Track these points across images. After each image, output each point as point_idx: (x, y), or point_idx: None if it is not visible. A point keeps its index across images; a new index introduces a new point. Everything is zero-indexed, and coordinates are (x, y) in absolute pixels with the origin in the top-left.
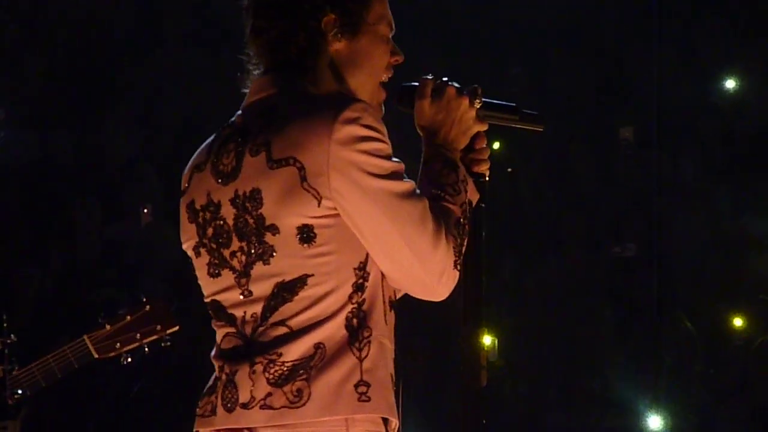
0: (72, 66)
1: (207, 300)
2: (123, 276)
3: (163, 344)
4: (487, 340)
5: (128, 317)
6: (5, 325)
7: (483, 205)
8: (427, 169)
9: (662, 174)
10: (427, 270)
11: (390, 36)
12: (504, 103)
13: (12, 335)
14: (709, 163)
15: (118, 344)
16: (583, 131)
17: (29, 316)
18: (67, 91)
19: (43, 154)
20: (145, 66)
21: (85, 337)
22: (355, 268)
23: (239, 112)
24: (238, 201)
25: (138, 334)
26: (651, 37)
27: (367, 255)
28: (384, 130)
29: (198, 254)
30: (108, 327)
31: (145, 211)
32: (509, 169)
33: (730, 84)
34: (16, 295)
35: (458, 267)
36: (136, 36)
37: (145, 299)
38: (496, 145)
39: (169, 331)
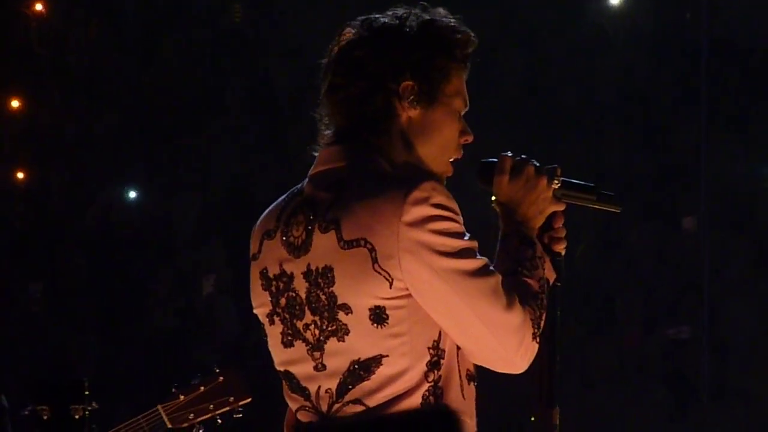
0: (137, 127)
1: (279, 369)
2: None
3: (235, 416)
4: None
5: (202, 388)
6: (87, 392)
7: (559, 284)
8: (504, 245)
9: (716, 258)
10: (502, 343)
11: (462, 113)
12: (582, 183)
13: (94, 402)
14: (764, 247)
15: (192, 415)
16: (640, 210)
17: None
18: (136, 150)
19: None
20: (205, 132)
21: (159, 406)
22: (428, 347)
23: (306, 179)
24: (310, 276)
25: (211, 405)
26: (706, 118)
27: (440, 333)
28: (454, 206)
29: (272, 322)
30: (182, 397)
31: (209, 280)
32: (582, 246)
33: None
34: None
35: (537, 339)
36: (198, 101)
37: (218, 370)
38: None
39: (241, 403)
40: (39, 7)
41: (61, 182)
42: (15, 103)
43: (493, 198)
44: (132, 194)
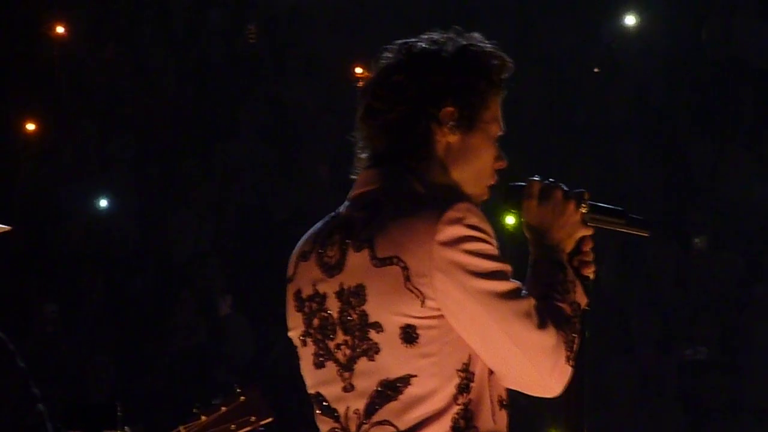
0: (151, 152)
1: (311, 392)
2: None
3: None
4: None
5: (223, 408)
6: (120, 414)
7: (588, 308)
8: (534, 269)
9: (735, 278)
10: (536, 365)
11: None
12: (611, 207)
13: (126, 427)
14: None
15: None
16: (657, 231)
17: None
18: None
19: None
20: (217, 155)
21: (180, 428)
22: (458, 370)
23: (346, 202)
24: (342, 295)
25: (233, 426)
26: (721, 138)
27: (470, 356)
28: (488, 229)
29: (304, 344)
30: (203, 418)
31: (226, 302)
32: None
33: None
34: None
35: (571, 362)
36: (210, 125)
37: (239, 389)
38: None
39: (263, 423)
40: (61, 30)
41: (78, 203)
42: (30, 126)
43: (509, 219)
44: (142, 215)
